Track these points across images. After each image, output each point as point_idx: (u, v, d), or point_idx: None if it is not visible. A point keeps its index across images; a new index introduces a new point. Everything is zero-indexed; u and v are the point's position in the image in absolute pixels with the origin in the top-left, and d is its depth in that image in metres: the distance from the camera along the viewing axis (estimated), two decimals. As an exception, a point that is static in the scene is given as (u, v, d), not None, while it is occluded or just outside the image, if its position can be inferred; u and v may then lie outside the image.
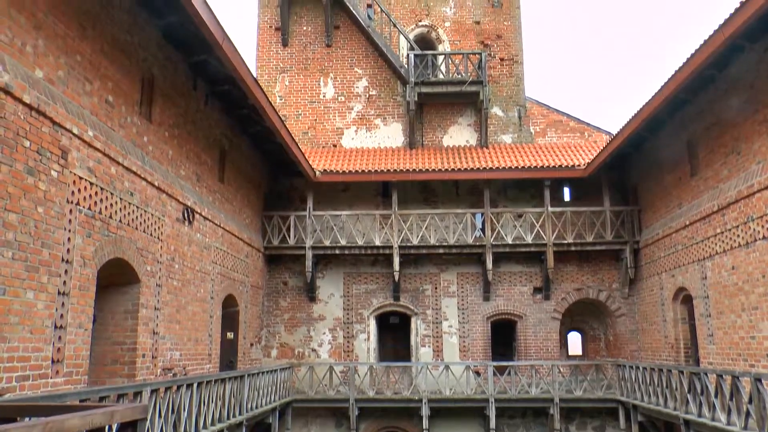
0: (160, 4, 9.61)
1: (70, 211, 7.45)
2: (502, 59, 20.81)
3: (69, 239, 7.41)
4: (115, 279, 9.20)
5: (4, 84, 6.12)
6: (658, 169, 15.80)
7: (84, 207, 7.79)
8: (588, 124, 20.44)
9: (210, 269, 12.90)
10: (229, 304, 14.65)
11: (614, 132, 16.59)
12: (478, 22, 21.13)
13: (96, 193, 8.11)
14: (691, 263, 13.71)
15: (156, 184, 10.05)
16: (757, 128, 10.92)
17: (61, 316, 7.20)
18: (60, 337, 7.15)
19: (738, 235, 11.54)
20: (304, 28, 21.21)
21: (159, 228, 10.25)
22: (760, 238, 10.77)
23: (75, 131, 7.51)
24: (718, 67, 11.67)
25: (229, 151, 14.41)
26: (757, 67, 10.92)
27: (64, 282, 7.28)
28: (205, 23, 9.31)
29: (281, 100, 20.62)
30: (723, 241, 12.17)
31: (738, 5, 9.52)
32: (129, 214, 9.13)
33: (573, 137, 20.26)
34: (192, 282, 11.83)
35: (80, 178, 7.69)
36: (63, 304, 7.23)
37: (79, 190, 7.66)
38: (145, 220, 9.69)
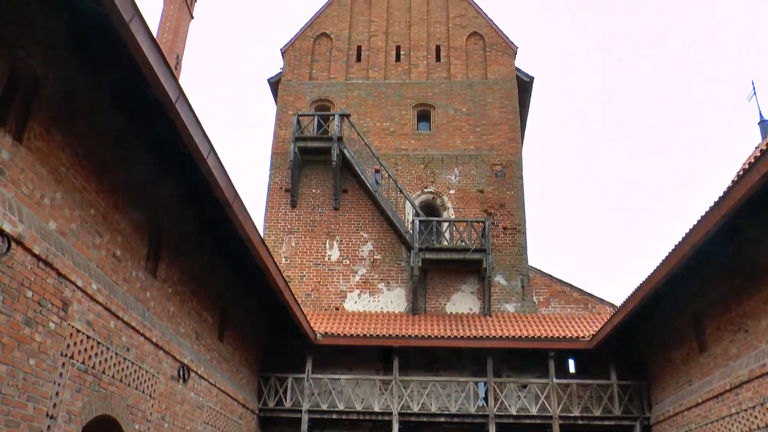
0: (177, 163, 9.96)
1: (63, 364, 7.25)
2: (505, 228, 21.25)
3: (57, 393, 7.14)
4: (101, 439, 8.75)
5: (17, 234, 6.20)
6: (665, 343, 15.54)
7: (78, 361, 7.60)
8: (591, 296, 20.44)
9: (201, 430, 12.33)
10: (217, 471, 13.84)
11: (618, 304, 16.52)
12: (481, 191, 21.84)
13: (92, 347, 7.94)
14: (705, 445, 13.04)
15: (154, 340, 9.87)
16: (762, 306, 10.84)
17: (38, 478, 6.76)
18: (33, 502, 6.67)
19: (756, 417, 11.04)
20: (313, 190, 21.94)
21: (152, 385, 9.93)
22: (776, 421, 10.32)
23: (79, 283, 7.51)
24: (717, 244, 11.81)
25: (230, 309, 14.33)
26: (756, 246, 11.05)
27: (47, 440, 6.91)
28: (218, 183, 9.62)
29: (287, 260, 20.85)
30: (740, 422, 11.64)
31: (730, 184, 9.83)
32: (123, 369, 8.89)
33: (576, 308, 20.17)
34: (180, 445, 11.25)
35: (78, 331, 7.57)
36: (42, 464, 6.82)
37: (75, 344, 7.51)
38: (138, 377, 9.41)
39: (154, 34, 7.22)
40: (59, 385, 7.18)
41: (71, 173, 7.48)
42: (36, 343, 6.68)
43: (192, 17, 37.17)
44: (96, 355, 8.07)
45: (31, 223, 6.51)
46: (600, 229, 77.57)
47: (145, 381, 9.65)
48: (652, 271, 13.20)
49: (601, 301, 20.36)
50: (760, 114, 21.34)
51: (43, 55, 6.84)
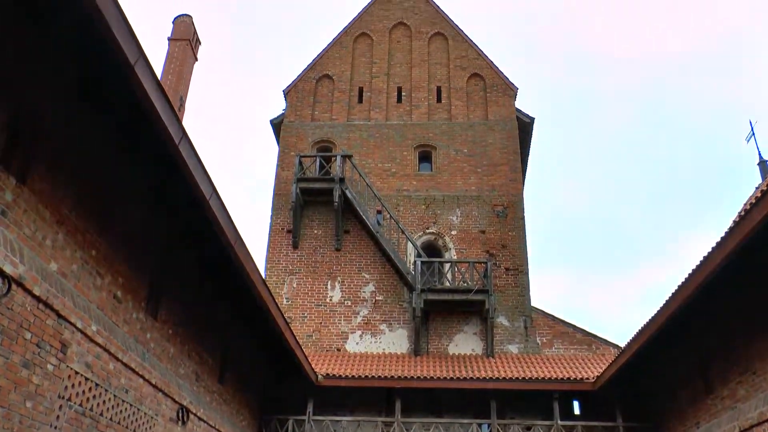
0: (179, 204, 9.98)
1: (60, 407, 7.16)
2: (507, 269, 21.17)
3: (54, 438, 7.03)
4: (97, 484, 8.58)
5: (18, 276, 6.18)
6: (671, 384, 15.33)
7: (75, 403, 7.50)
8: (595, 337, 20.26)
9: (199, 477, 12.09)
10: None
11: (622, 345, 16.37)
12: (483, 231, 21.81)
13: (90, 389, 7.85)
14: (715, 490, 12.75)
15: (153, 381, 9.76)
16: (769, 347, 10.72)
17: None
18: None
19: (764, 461, 10.83)
20: (315, 231, 21.92)
21: (151, 428, 9.78)
22: (787, 465, 10.11)
23: (79, 325, 7.45)
24: (722, 284, 11.72)
25: (231, 350, 14.20)
26: (761, 287, 10.96)
27: (42, 486, 6.77)
28: (220, 224, 9.62)
29: (288, 301, 20.73)
30: (747, 467, 11.40)
31: (731, 225, 9.80)
32: (121, 412, 8.76)
33: (580, 349, 19.97)
34: (178, 491, 11.03)
35: (76, 372, 7.49)
36: None
37: (73, 385, 7.42)
38: (137, 419, 9.27)
39: (159, 76, 7.31)
40: (56, 428, 7.07)
41: (73, 214, 7.48)
42: (33, 386, 6.60)
43: (196, 59, 37.70)
44: (94, 397, 7.97)
45: (32, 265, 6.49)
46: (604, 266, 77.31)
47: (143, 423, 9.51)
48: (656, 311, 13.10)
49: (605, 342, 20.17)
50: (759, 154, 21.42)
51: (48, 97, 6.92)
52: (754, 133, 21.83)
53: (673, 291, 12.20)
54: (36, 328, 6.61)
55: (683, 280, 11.76)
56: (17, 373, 6.31)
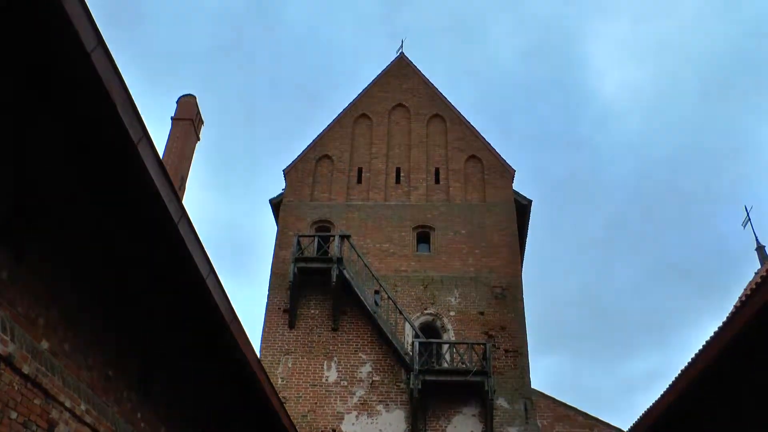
0: (175, 284, 9.92)
1: (44, 493, 6.89)
2: (506, 350, 20.90)
3: None
4: None
5: (7, 354, 6.07)
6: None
7: (60, 489, 7.22)
8: (598, 420, 19.80)
9: None
10: None
11: (626, 428, 15.95)
12: (482, 313, 21.64)
13: (76, 473, 7.58)
14: None
15: (141, 466, 9.45)
16: (776, 434, 10.44)
17: None
18: None
19: None
20: (312, 311, 21.74)
21: None
22: None
23: (67, 404, 7.26)
24: (727, 366, 11.54)
25: (224, 430, 13.84)
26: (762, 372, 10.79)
27: None
28: (217, 305, 9.54)
29: (283, 381, 20.35)
30: None
31: (733, 309, 9.72)
32: (107, 499, 8.43)
33: (582, 433, 19.47)
34: None
35: (62, 456, 7.25)
36: None
37: (58, 470, 7.17)
38: (122, 507, 8.91)
39: (161, 155, 7.43)
40: None
41: (68, 292, 7.43)
42: (17, 469, 6.37)
43: (198, 139, 38.36)
44: (79, 482, 7.68)
45: (22, 343, 6.39)
46: (604, 349, 76.35)
47: None
48: (660, 395, 12.85)
49: (608, 426, 19.69)
50: (757, 239, 21.51)
51: (48, 174, 6.99)
52: (750, 219, 22.00)
53: (676, 376, 12.01)
54: (23, 407, 6.44)
55: (688, 361, 11.59)
56: (1, 456, 6.11)
